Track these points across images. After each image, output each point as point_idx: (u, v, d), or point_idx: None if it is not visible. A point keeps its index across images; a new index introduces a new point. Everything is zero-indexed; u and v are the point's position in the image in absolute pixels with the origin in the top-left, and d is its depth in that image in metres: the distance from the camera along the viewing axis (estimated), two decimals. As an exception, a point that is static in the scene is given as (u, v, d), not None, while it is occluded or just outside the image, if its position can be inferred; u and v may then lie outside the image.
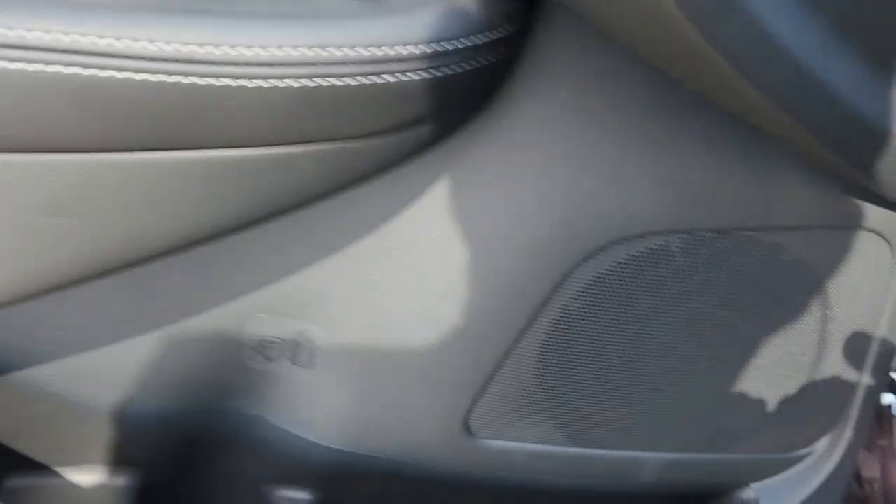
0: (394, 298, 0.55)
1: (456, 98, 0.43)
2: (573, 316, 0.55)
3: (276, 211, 0.44)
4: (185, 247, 0.44)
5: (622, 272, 0.53)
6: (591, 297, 0.54)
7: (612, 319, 0.55)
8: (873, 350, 0.61)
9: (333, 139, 0.40)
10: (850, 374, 0.62)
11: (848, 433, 0.66)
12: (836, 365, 0.61)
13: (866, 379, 0.63)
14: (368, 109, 0.39)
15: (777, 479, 0.68)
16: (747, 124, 0.49)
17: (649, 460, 0.64)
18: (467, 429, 0.61)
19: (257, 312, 0.56)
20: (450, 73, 0.40)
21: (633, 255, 0.53)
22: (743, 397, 0.62)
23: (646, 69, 0.47)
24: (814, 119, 0.45)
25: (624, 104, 0.48)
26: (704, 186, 0.50)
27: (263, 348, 0.59)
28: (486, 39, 0.41)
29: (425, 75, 0.39)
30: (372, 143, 0.41)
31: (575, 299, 0.54)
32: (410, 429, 0.62)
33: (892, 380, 0.96)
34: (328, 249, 0.53)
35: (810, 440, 0.66)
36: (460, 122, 0.46)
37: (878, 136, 0.48)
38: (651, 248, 0.52)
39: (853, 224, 0.53)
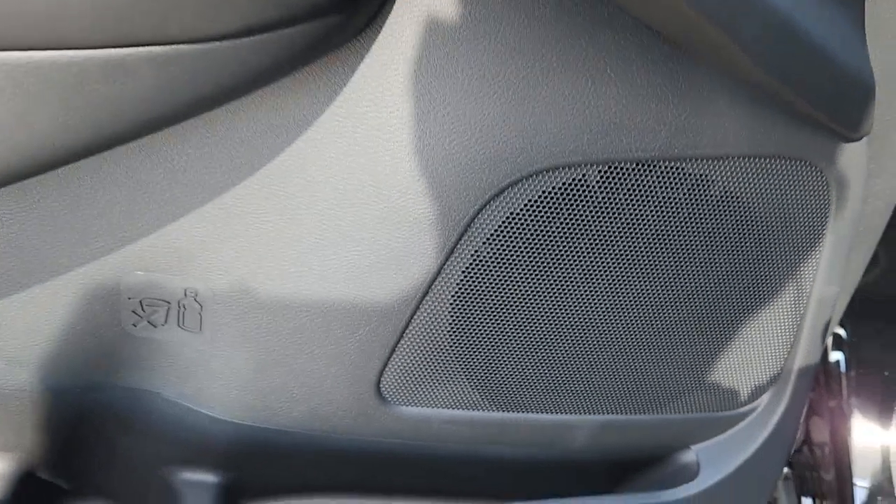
0: (285, 248, 0.49)
1: None
2: (485, 263, 0.50)
3: (125, 133, 0.38)
4: (23, 176, 0.37)
5: (536, 211, 0.48)
6: (503, 240, 0.49)
7: (530, 265, 0.50)
8: (815, 294, 0.57)
9: (172, 41, 0.34)
10: (790, 321, 0.58)
11: (790, 388, 0.62)
12: (774, 312, 0.57)
13: (808, 327, 0.59)
14: (205, 5, 0.33)
15: (718, 439, 0.64)
16: (668, 42, 0.44)
17: (580, 424, 0.60)
18: (380, 395, 0.56)
19: (133, 269, 0.50)
20: None
21: (548, 191, 0.48)
22: (677, 351, 0.57)
23: None
24: (774, 59, 0.41)
25: (528, 16, 0.43)
26: (622, 112, 0.45)
27: (146, 312, 0.53)
28: None
29: None
30: (221, 50, 0.35)
31: (486, 243, 0.49)
32: (318, 398, 0.56)
33: (838, 335, 0.93)
34: (204, 188, 0.47)
35: (751, 397, 0.62)
36: (335, 31, 0.40)
37: (846, 79, 0.44)
38: (566, 183, 0.47)
39: (786, 153, 0.49)
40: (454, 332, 0.53)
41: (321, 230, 0.48)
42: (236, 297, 0.51)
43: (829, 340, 0.97)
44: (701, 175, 0.49)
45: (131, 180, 0.46)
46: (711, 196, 0.49)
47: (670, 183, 0.48)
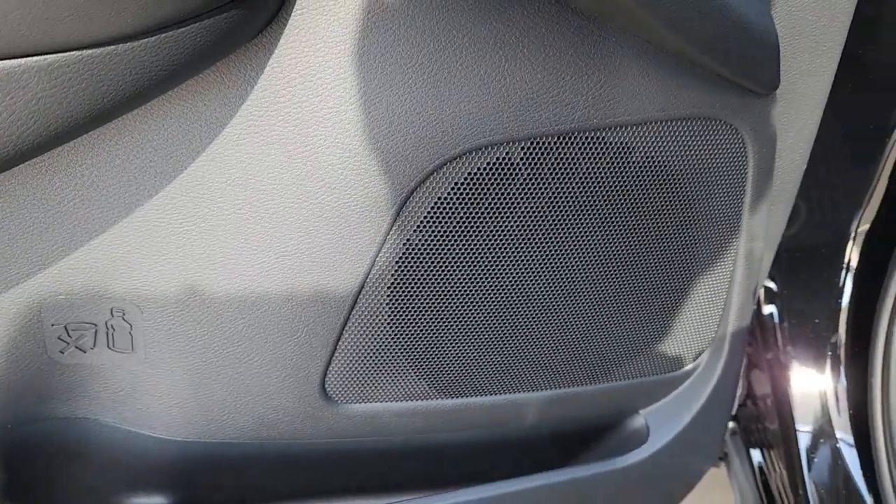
0: (211, 255, 0.48)
1: None
2: (419, 250, 0.50)
3: (24, 151, 0.36)
4: None
5: (464, 193, 0.48)
6: (434, 226, 0.49)
7: (463, 248, 0.50)
8: (741, 250, 0.58)
9: (65, 48, 0.32)
10: (720, 279, 0.59)
11: (727, 344, 0.64)
12: (705, 272, 0.58)
13: (738, 283, 0.60)
14: (96, 6, 0.32)
15: (664, 401, 0.66)
16: (576, 14, 0.44)
17: (530, 401, 0.60)
18: (326, 395, 0.55)
19: (54, 293, 0.48)
20: None
21: (473, 173, 0.47)
22: (616, 319, 0.58)
23: None
24: (681, 21, 0.41)
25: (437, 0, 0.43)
26: (539, 87, 0.46)
27: (73, 337, 0.51)
28: None
29: None
30: (119, 53, 0.34)
31: (417, 231, 0.49)
32: (263, 405, 0.55)
33: (769, 289, 0.96)
34: (119, 201, 0.45)
35: (691, 357, 0.64)
36: (238, 27, 0.39)
37: (750, 36, 0.45)
38: (491, 163, 0.47)
39: (700, 114, 0.50)
40: (394, 323, 0.52)
41: (246, 233, 0.47)
42: (166, 312, 0.49)
43: (762, 294, 1.00)
44: (621, 143, 0.49)
45: (41, 200, 0.44)
46: (633, 162, 0.50)
47: (592, 153, 0.49)
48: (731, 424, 1.08)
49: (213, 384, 0.53)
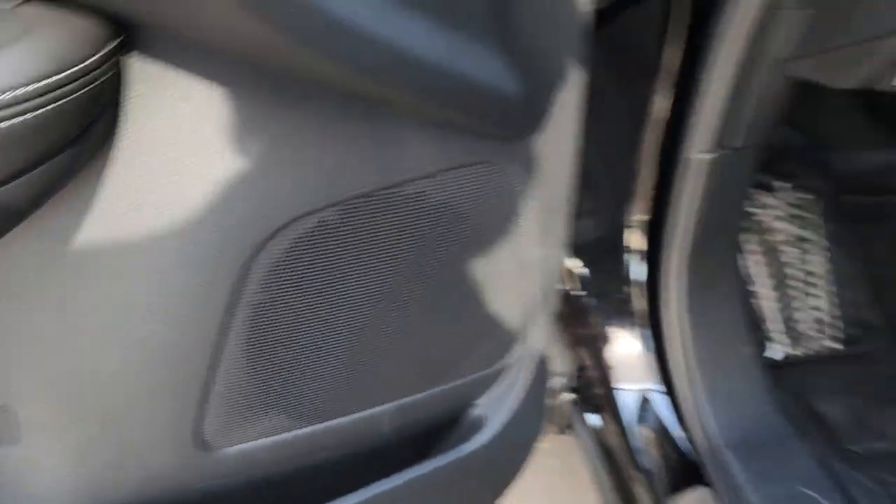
0: (79, 345, 0.55)
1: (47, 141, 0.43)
2: (265, 308, 0.59)
3: None
4: None
5: (294, 256, 0.58)
6: (274, 286, 0.58)
7: (304, 300, 0.60)
8: (531, 258, 0.71)
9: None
10: (517, 283, 0.72)
11: (535, 334, 0.77)
12: (503, 281, 0.70)
13: (535, 285, 0.74)
14: None
15: (497, 388, 0.78)
16: (360, 98, 0.55)
17: (383, 412, 0.70)
18: (203, 444, 0.63)
19: (-65, 405, 0.53)
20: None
21: (299, 238, 0.57)
22: (443, 331, 0.69)
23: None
24: (429, 98, 0.52)
25: (242, 104, 0.52)
26: (339, 159, 0.56)
27: (-41, 439, 0.56)
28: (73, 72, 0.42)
29: None
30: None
31: (259, 291, 0.58)
32: (146, 464, 0.62)
33: (583, 276, 1.12)
34: None
35: (507, 351, 0.76)
36: (77, 159, 0.47)
37: (489, 97, 0.57)
38: (311, 227, 0.57)
39: (474, 161, 0.62)
40: (252, 371, 0.61)
41: (107, 321, 0.54)
42: (47, 402, 0.56)
43: (579, 281, 1.16)
44: (416, 193, 0.61)
45: None
46: (428, 208, 0.61)
47: (393, 205, 0.60)
48: (571, 396, 1.24)
49: (97, 453, 0.60)
